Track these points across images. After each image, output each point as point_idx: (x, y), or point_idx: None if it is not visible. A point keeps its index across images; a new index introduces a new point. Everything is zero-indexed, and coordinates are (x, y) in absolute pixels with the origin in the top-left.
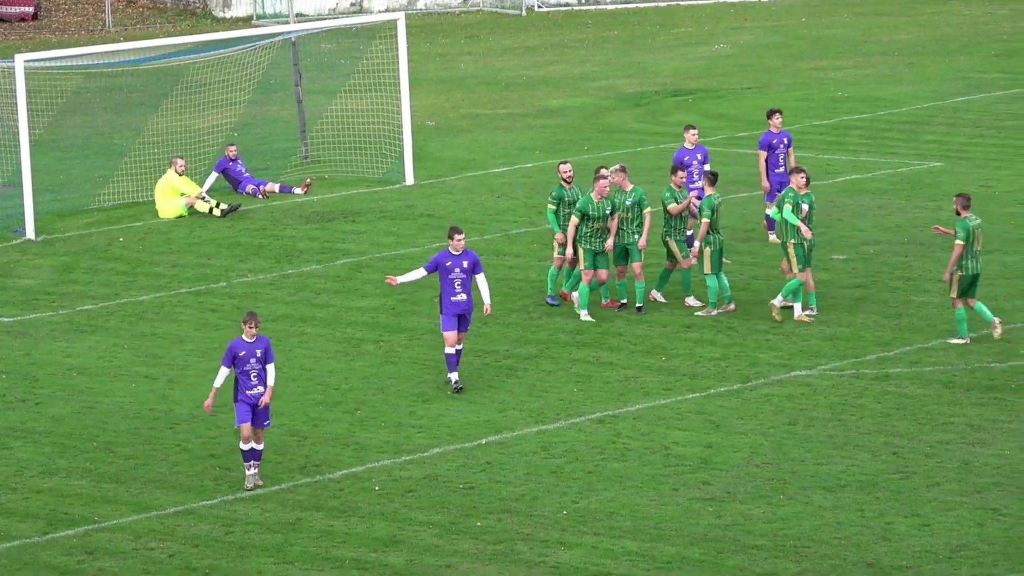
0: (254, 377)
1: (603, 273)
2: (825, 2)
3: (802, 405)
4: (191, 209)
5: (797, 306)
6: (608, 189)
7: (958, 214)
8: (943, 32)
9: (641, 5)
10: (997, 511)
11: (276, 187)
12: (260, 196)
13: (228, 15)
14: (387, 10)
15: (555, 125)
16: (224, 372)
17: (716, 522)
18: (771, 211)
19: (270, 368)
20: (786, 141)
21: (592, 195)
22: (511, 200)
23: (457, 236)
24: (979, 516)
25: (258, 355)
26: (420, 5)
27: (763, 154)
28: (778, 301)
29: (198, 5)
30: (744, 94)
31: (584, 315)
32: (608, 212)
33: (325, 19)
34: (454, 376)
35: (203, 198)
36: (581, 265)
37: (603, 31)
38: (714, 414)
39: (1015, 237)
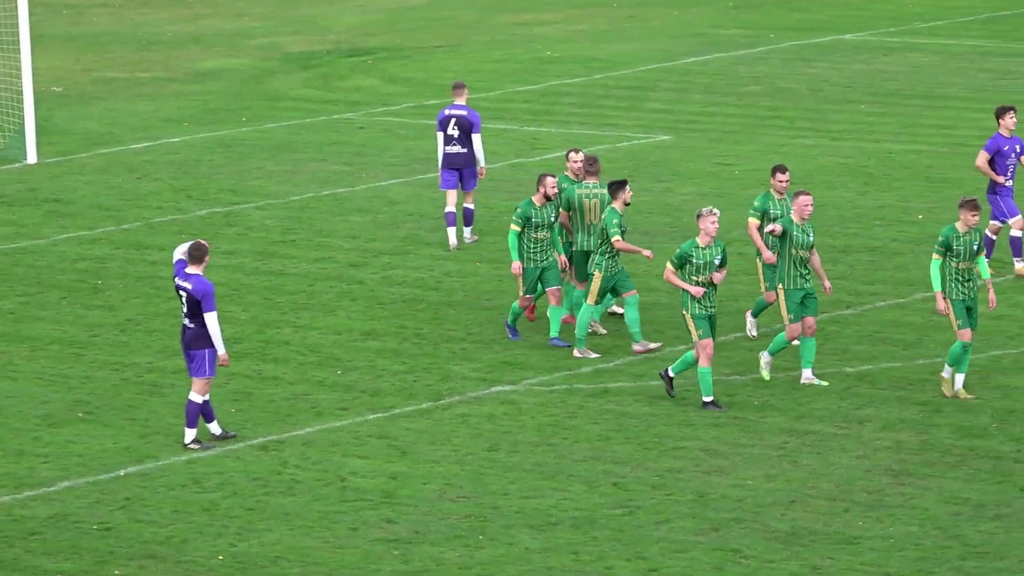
0: None
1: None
2: None
3: (505, 427)
4: None
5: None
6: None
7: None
8: None
9: None
10: (738, 552)
11: None
12: None
13: None
14: None
15: (208, 92)
16: None
17: (403, 568)
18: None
19: None
20: (1018, 148)
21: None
22: (154, 182)
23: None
24: (716, 558)
25: None
26: None
27: (985, 155)
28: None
29: None
30: (434, 54)
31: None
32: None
33: None
34: (191, 434)
35: None
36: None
37: None
38: (400, 438)
39: None
